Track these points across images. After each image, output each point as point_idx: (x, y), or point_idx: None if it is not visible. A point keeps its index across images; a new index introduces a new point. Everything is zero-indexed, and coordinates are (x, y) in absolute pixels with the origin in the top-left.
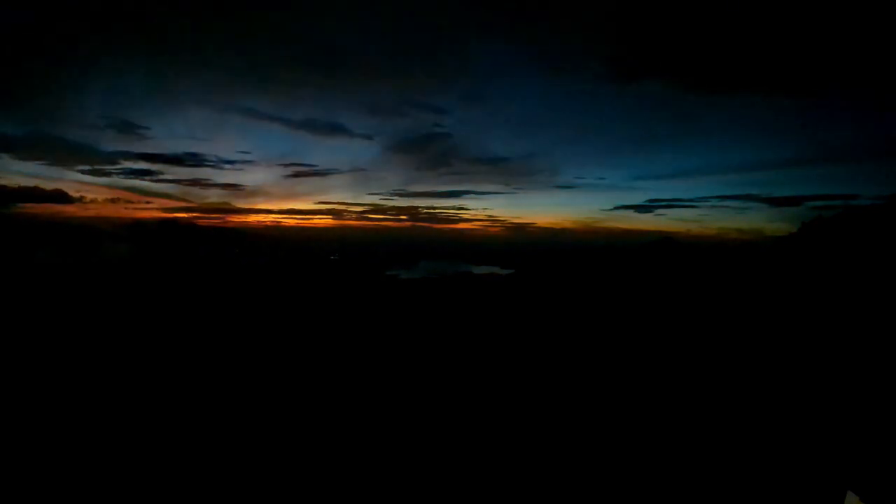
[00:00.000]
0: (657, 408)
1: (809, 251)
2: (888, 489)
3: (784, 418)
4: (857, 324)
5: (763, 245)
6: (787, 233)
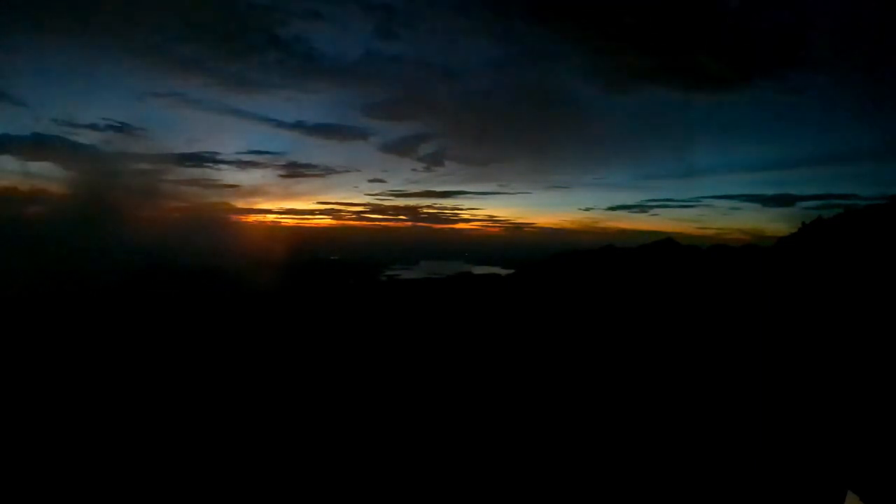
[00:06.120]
0: (660, 409)
1: (810, 252)
2: (888, 489)
3: (785, 418)
4: (858, 325)
5: (764, 246)
6: (787, 233)
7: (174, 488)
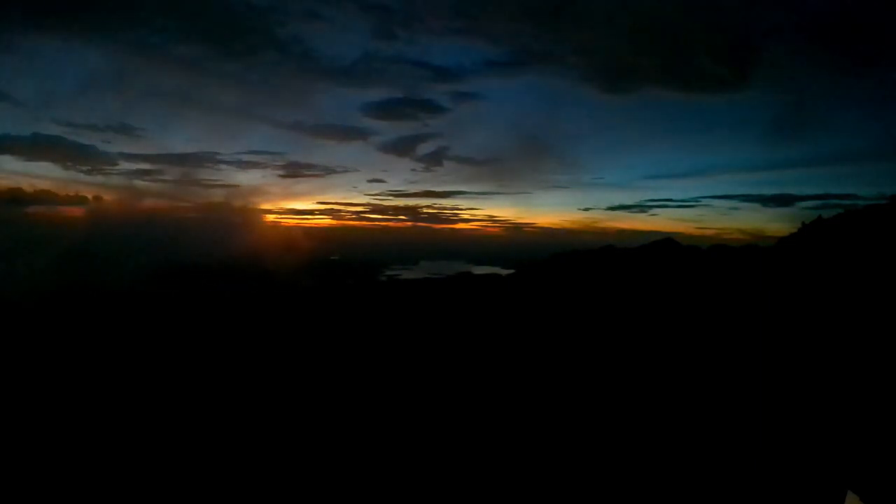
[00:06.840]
0: (660, 409)
1: (810, 252)
2: (888, 489)
3: (785, 419)
4: (858, 325)
5: (764, 246)
6: (787, 233)
7: (183, 480)
